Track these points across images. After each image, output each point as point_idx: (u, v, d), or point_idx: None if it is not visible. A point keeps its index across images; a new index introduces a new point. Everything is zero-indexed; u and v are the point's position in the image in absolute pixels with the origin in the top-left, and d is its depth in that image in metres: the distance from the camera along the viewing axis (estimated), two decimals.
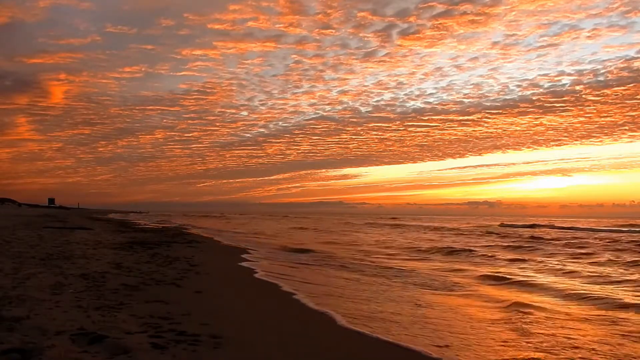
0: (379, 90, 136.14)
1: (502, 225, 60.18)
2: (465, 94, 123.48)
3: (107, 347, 4.73)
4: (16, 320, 5.41)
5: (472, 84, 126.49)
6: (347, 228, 48.62)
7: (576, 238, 30.66)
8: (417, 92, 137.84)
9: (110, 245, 16.65)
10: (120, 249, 15.42)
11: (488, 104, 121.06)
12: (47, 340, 4.76)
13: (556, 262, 17.19)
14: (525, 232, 40.78)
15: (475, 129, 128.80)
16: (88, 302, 6.77)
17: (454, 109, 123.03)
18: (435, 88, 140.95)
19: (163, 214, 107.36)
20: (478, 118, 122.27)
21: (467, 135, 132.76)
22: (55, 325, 5.35)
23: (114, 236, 22.36)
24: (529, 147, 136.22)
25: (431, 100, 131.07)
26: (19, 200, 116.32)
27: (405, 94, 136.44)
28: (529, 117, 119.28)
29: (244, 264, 14.33)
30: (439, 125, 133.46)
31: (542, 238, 30.38)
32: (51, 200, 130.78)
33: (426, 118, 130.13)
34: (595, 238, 30.19)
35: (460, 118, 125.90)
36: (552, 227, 52.34)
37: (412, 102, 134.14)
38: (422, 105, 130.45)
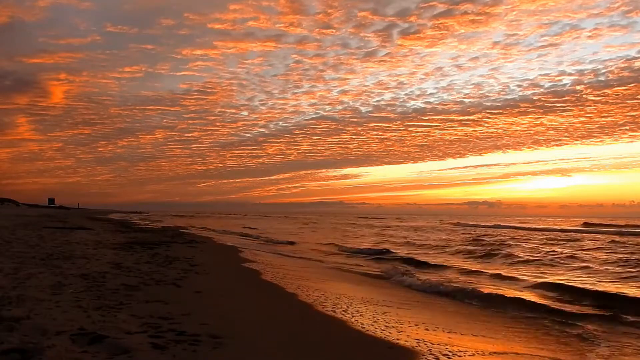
0: (380, 90, 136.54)
1: (457, 224, 61.82)
2: (465, 94, 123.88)
3: (107, 347, 4.73)
4: (16, 320, 5.41)
5: (473, 83, 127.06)
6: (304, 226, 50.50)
7: (519, 238, 31.24)
8: (417, 92, 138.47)
9: (110, 245, 16.64)
10: (120, 249, 15.41)
11: (489, 103, 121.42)
12: (47, 340, 4.76)
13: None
14: (475, 231, 41.83)
15: (475, 129, 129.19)
16: (88, 302, 6.77)
17: (455, 108, 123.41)
18: (436, 88, 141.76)
19: (159, 215, 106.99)
20: (479, 118, 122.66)
21: (467, 135, 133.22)
22: (55, 325, 5.35)
23: (114, 236, 22.34)
24: (529, 147, 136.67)
25: (432, 100, 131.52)
26: (19, 201, 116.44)
27: (406, 94, 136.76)
28: (530, 117, 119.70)
29: (244, 264, 14.33)
30: (439, 125, 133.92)
31: (481, 239, 30.16)
32: (51, 200, 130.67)
33: (426, 118, 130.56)
34: (546, 238, 30.84)
35: (461, 118, 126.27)
36: (516, 227, 52.06)
37: (412, 102, 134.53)
38: (423, 105, 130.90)
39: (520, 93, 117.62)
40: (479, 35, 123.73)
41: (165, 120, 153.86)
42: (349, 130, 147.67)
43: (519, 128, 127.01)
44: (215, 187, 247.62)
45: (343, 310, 7.92)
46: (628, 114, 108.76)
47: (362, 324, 6.97)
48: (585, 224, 55.50)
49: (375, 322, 7.23)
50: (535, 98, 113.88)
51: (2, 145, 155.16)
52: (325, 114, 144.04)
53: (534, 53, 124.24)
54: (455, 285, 12.13)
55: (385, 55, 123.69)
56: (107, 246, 16.31)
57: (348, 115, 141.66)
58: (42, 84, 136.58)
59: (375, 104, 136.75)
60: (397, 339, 6.20)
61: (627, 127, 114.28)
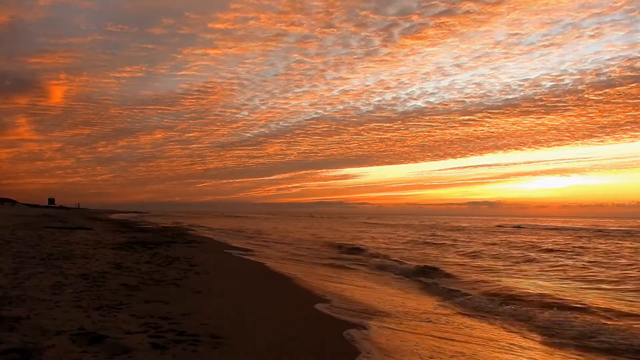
0: (381, 90, 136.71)
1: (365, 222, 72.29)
2: (467, 94, 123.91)
3: (107, 347, 4.73)
4: (16, 320, 5.42)
5: (474, 83, 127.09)
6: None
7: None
8: (418, 92, 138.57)
9: (110, 245, 16.64)
10: (120, 249, 15.41)
11: (490, 103, 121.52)
12: (47, 340, 4.76)
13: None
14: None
15: (476, 129, 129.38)
16: (88, 302, 6.77)
17: (455, 108, 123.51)
18: (437, 87, 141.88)
19: (159, 215, 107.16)
20: (479, 118, 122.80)
21: (468, 135, 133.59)
22: (55, 325, 5.36)
23: (114, 236, 22.34)
24: (529, 147, 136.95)
25: (432, 99, 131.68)
26: (19, 201, 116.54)
27: (407, 94, 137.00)
28: (531, 117, 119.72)
29: (244, 264, 14.33)
30: (440, 125, 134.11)
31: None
32: (51, 200, 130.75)
33: (427, 118, 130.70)
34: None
35: (462, 118, 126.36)
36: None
37: (413, 102, 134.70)
38: (424, 105, 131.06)
39: (522, 93, 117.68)
40: (480, 35, 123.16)
41: (165, 121, 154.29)
42: (349, 130, 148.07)
43: (520, 128, 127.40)
44: (215, 187, 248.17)
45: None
46: (629, 113, 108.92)
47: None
48: (516, 226, 59.30)
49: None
50: (536, 98, 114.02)
51: (2, 145, 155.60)
52: (325, 113, 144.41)
53: (536, 52, 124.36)
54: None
55: (387, 54, 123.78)
56: (107, 246, 16.31)
57: (349, 115, 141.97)
58: (42, 84, 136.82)
59: (376, 103, 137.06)
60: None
61: (629, 127, 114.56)
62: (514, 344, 6.80)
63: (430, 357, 5.55)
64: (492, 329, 7.75)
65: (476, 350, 6.19)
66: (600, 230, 45.68)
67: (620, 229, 49.81)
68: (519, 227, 56.42)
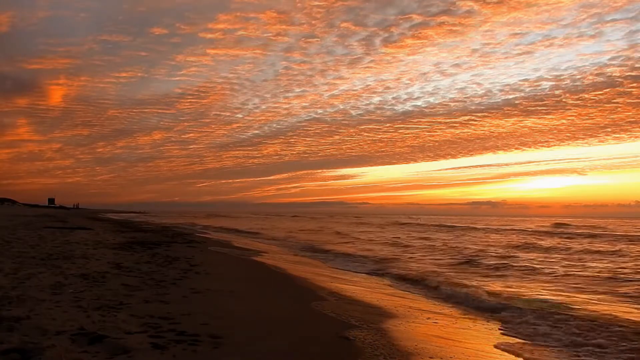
0: (381, 90, 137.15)
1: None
2: (467, 94, 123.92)
3: (107, 347, 4.73)
4: (16, 320, 5.41)
5: (474, 83, 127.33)
6: None
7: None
8: (418, 92, 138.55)
9: (110, 245, 16.63)
10: (120, 249, 15.40)
11: (490, 103, 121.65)
12: (47, 340, 4.76)
13: None
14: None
15: (476, 129, 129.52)
16: (88, 302, 6.77)
17: (456, 108, 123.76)
18: (437, 88, 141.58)
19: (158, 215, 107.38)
20: (480, 118, 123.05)
21: (468, 135, 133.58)
22: (55, 325, 5.35)
23: (114, 236, 22.33)
24: (529, 147, 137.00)
25: (432, 100, 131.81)
26: (19, 201, 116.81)
27: (407, 94, 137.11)
28: (531, 117, 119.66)
29: (245, 263, 14.32)
30: (440, 125, 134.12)
31: None
32: (51, 200, 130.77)
33: (427, 118, 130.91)
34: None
35: (462, 118, 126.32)
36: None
37: (413, 102, 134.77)
38: (424, 105, 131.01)
39: (522, 92, 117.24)
40: (480, 35, 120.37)
41: (162, 122, 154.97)
42: (349, 130, 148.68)
43: (520, 128, 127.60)
44: (215, 187, 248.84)
45: None
46: (629, 113, 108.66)
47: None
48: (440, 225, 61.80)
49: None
50: (537, 97, 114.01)
51: (2, 146, 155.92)
52: (325, 113, 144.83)
53: (536, 52, 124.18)
54: None
55: (387, 54, 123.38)
56: (107, 246, 16.30)
57: (349, 115, 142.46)
58: (41, 85, 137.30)
59: (376, 103, 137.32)
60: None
61: (629, 127, 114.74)
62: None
63: (430, 357, 5.55)
64: (490, 330, 7.76)
65: (477, 350, 6.20)
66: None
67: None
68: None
